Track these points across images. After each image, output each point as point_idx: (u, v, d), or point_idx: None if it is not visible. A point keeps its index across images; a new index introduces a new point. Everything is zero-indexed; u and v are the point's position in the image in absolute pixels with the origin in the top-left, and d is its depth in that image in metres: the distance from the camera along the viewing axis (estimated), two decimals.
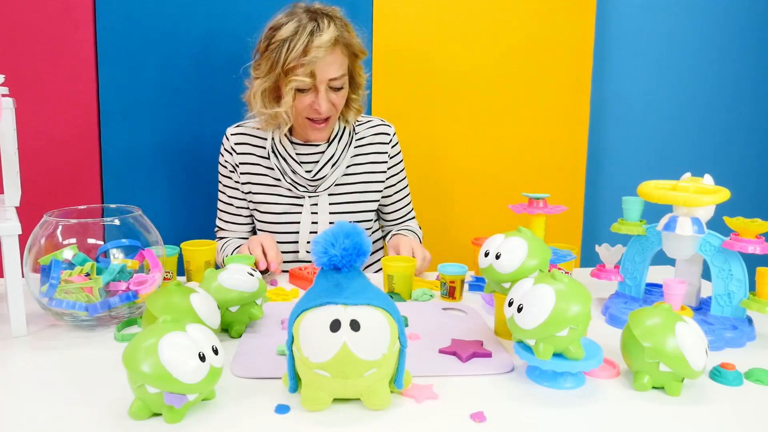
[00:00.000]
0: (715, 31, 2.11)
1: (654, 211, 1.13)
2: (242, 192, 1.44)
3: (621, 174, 2.15)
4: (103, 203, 1.69)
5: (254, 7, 1.70)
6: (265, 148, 1.41)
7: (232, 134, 1.43)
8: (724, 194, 0.98)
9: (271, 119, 1.36)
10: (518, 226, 0.91)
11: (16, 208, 1.04)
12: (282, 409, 0.71)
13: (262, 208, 1.42)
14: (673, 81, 2.12)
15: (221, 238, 1.48)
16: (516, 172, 1.95)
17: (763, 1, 2.11)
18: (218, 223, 1.49)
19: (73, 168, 1.68)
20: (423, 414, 0.71)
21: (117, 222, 1.01)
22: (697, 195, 0.97)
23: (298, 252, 1.42)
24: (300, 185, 1.39)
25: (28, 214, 1.04)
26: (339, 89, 1.33)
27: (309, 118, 1.35)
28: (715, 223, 1.05)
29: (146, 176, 1.73)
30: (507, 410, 0.72)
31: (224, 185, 1.45)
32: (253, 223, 1.48)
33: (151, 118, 1.71)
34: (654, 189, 1.02)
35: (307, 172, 1.39)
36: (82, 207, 1.06)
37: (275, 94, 1.34)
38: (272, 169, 1.40)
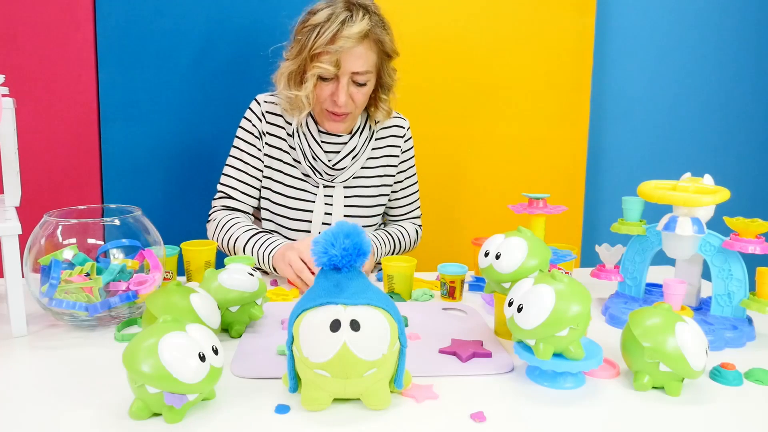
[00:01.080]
0: (715, 31, 2.11)
1: (654, 211, 1.13)
2: (261, 162, 1.39)
3: (621, 174, 2.15)
4: (103, 203, 1.69)
5: (254, 8, 1.70)
6: (291, 125, 1.38)
7: (265, 101, 1.40)
8: (724, 194, 0.98)
9: (291, 101, 1.35)
10: (518, 226, 0.91)
11: (16, 208, 1.04)
12: (282, 409, 0.71)
13: (276, 188, 1.39)
14: (672, 81, 2.12)
15: (225, 207, 1.39)
16: (516, 172, 1.95)
17: (763, 1, 2.11)
18: (223, 189, 1.39)
19: (73, 168, 1.68)
20: (423, 414, 0.71)
21: (117, 222, 1.01)
22: (697, 195, 0.97)
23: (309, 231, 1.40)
24: (317, 172, 1.37)
25: (28, 214, 1.04)
26: (362, 85, 1.31)
27: (328, 110, 1.33)
28: (715, 223, 1.06)
29: (146, 176, 1.73)
30: (507, 410, 0.72)
31: (244, 151, 1.38)
32: (259, 199, 1.42)
33: (151, 118, 1.71)
34: (654, 189, 1.02)
35: (327, 160, 1.37)
36: (82, 207, 1.06)
37: (300, 78, 1.33)
38: (294, 149, 1.37)
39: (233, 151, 1.40)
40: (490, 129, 1.92)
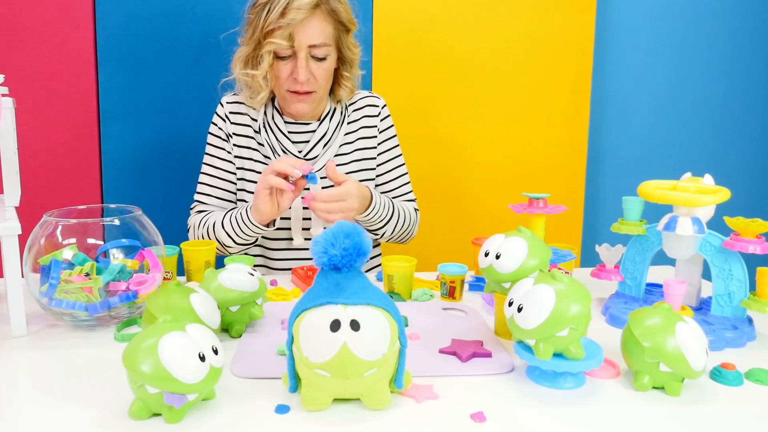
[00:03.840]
0: (716, 30, 2.11)
1: (654, 211, 1.13)
2: (233, 165, 1.37)
3: (621, 174, 2.15)
4: (103, 203, 1.69)
5: None
6: (257, 121, 1.35)
7: (228, 102, 1.38)
8: (724, 194, 0.98)
9: (250, 87, 1.32)
10: (518, 226, 0.91)
11: (16, 208, 1.04)
12: (282, 409, 0.71)
13: (251, 187, 1.35)
14: (673, 81, 2.12)
15: (200, 211, 1.37)
16: (516, 172, 1.95)
17: (763, 1, 2.11)
18: (198, 197, 1.38)
19: (73, 168, 1.68)
20: (423, 414, 0.71)
21: (117, 222, 1.01)
22: (698, 195, 0.97)
23: (292, 239, 1.36)
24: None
25: (28, 214, 1.04)
26: (321, 60, 1.27)
27: (290, 91, 1.29)
28: (716, 223, 1.05)
29: (146, 176, 1.73)
30: (507, 410, 0.72)
31: (214, 156, 1.37)
32: (236, 201, 1.40)
33: (150, 118, 1.71)
34: (654, 189, 1.02)
35: (298, 151, 1.34)
36: (82, 207, 1.06)
37: (256, 61, 1.29)
38: (263, 145, 1.34)
39: (205, 158, 1.39)
40: (490, 129, 1.92)
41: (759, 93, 2.17)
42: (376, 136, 1.41)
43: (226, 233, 1.28)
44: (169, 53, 1.69)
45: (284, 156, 1.18)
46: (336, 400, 0.72)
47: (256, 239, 1.31)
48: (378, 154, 1.42)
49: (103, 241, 1.01)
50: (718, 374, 0.81)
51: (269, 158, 1.34)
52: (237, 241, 1.29)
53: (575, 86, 1.94)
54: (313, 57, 1.27)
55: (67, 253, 0.96)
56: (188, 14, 1.68)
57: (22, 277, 0.94)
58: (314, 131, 1.36)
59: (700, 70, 2.13)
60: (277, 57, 1.27)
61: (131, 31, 1.66)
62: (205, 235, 1.32)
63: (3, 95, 1.00)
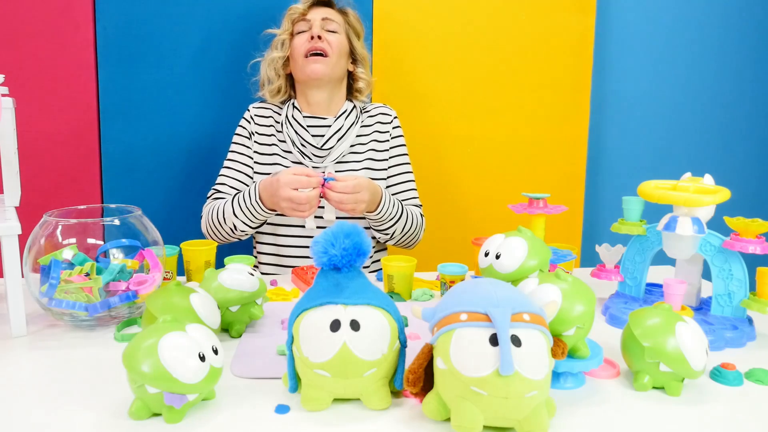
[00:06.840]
0: (715, 30, 2.11)
1: (654, 211, 1.13)
2: (252, 160, 1.48)
3: (621, 174, 2.14)
4: (103, 203, 1.69)
5: (254, 7, 1.70)
6: (279, 122, 1.49)
7: (254, 107, 1.53)
8: (724, 194, 0.98)
9: (274, 65, 1.47)
10: (518, 226, 0.91)
11: (16, 208, 1.04)
12: (282, 409, 0.71)
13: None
14: (673, 81, 2.12)
15: (216, 199, 1.45)
16: (516, 172, 1.95)
17: (763, 1, 2.11)
18: (216, 186, 1.48)
19: (73, 168, 1.68)
20: (423, 414, 0.71)
21: (117, 222, 1.01)
22: (698, 195, 0.97)
23: (303, 226, 1.44)
24: (307, 157, 1.44)
25: (28, 214, 1.04)
26: (334, 32, 1.45)
27: (306, 55, 1.42)
28: (716, 223, 1.06)
29: (146, 176, 1.73)
30: None
31: (235, 151, 1.49)
32: None
33: (151, 118, 1.71)
34: (654, 189, 1.02)
35: (316, 143, 1.44)
36: (82, 207, 1.06)
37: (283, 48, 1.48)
38: (284, 141, 1.46)
39: (228, 155, 1.50)
40: (490, 129, 1.92)
41: (759, 93, 2.17)
42: (387, 141, 1.52)
43: (234, 214, 1.35)
44: (169, 53, 1.69)
45: (296, 174, 1.26)
46: (336, 400, 0.72)
47: (264, 221, 1.39)
48: (389, 158, 1.52)
49: (103, 241, 1.01)
50: (718, 374, 0.81)
51: (290, 152, 1.46)
52: (247, 223, 1.36)
53: (575, 86, 1.94)
54: (325, 30, 1.44)
55: (67, 253, 0.96)
56: (188, 14, 1.68)
57: (22, 277, 0.94)
58: (330, 126, 1.47)
59: (700, 69, 2.13)
60: (295, 34, 1.45)
61: (131, 31, 1.66)
62: (216, 220, 1.39)
63: (3, 95, 1.00)
